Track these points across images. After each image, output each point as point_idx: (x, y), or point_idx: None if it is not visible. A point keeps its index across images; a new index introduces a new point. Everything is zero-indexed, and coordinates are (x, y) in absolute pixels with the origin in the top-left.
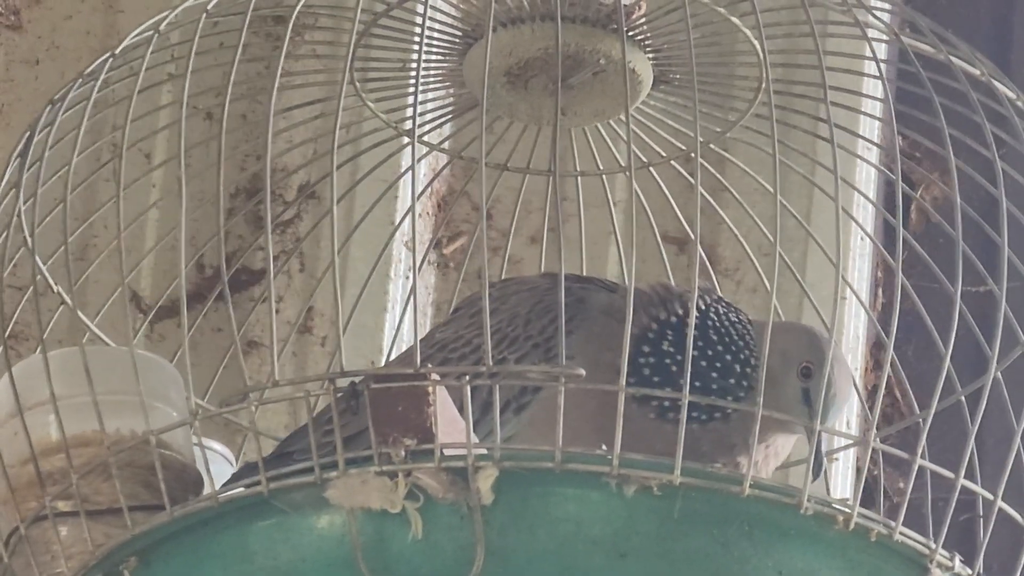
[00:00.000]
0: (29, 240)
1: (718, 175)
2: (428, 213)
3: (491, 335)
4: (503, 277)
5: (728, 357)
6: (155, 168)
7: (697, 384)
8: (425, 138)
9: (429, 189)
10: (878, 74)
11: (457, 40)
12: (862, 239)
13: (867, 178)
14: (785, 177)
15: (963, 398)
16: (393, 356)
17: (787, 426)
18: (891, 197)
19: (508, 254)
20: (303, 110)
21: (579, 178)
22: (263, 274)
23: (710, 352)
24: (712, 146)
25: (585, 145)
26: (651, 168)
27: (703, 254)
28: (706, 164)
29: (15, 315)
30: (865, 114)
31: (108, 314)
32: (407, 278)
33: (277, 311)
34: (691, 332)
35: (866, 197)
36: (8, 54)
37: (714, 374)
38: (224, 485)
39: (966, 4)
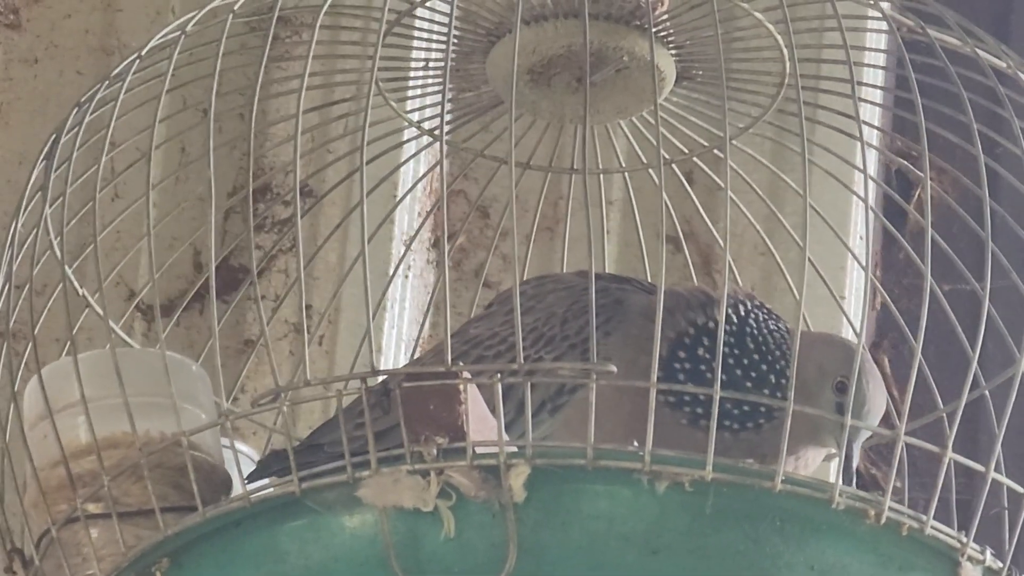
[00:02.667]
0: (55, 244)
1: (712, 175)
2: (427, 211)
3: (527, 334)
4: (501, 275)
5: (764, 367)
6: (152, 159)
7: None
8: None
9: (427, 188)
10: (899, 68)
11: (481, 38)
12: (861, 239)
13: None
14: (785, 177)
15: (988, 392)
16: (392, 354)
17: (816, 436)
18: (888, 197)
19: (503, 252)
20: (302, 109)
21: (573, 177)
22: (261, 273)
23: (746, 361)
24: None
25: (591, 143)
26: (674, 166)
27: (698, 254)
28: (700, 164)
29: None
30: (869, 102)
31: (109, 314)
32: (406, 277)
33: (275, 310)
34: (721, 330)
35: (858, 196)
36: (7, 53)
37: (748, 383)
38: (252, 474)
39: (964, 3)
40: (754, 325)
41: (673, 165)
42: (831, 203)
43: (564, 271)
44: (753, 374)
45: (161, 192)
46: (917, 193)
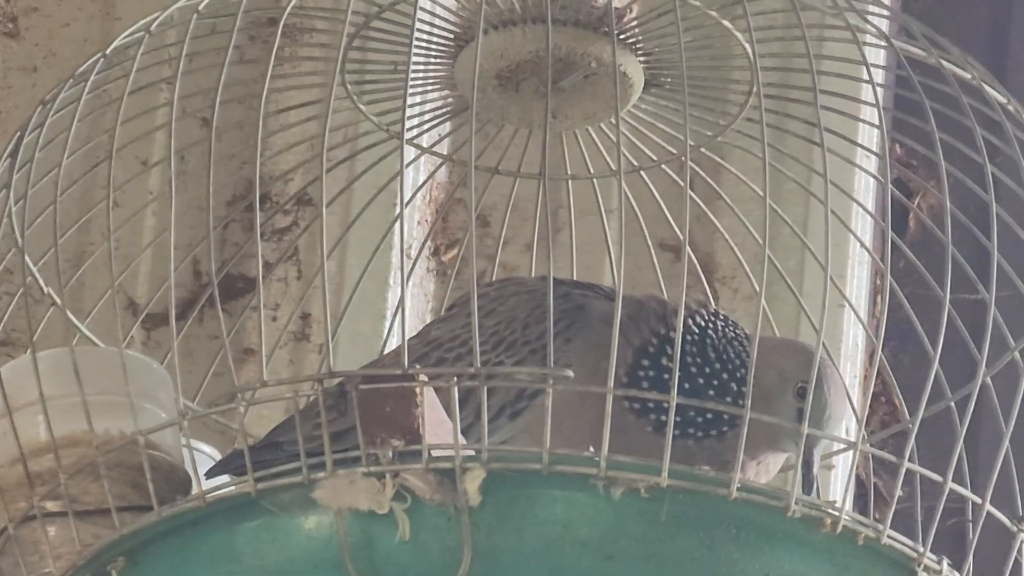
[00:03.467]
0: (20, 241)
1: (712, 182)
2: (426, 220)
3: (488, 337)
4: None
5: (724, 375)
6: (150, 167)
7: (678, 418)
8: (419, 142)
9: (427, 196)
10: (868, 79)
11: (449, 42)
12: (861, 248)
13: (865, 186)
14: (780, 185)
15: (953, 404)
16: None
17: (777, 443)
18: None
19: (501, 261)
20: (299, 116)
21: (571, 186)
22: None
23: (707, 369)
24: (707, 152)
25: (577, 150)
26: (642, 173)
27: (697, 262)
28: (699, 170)
29: (4, 318)
30: (863, 121)
31: (104, 321)
32: (406, 286)
33: (274, 318)
34: (679, 334)
35: (861, 205)
36: (5, 61)
37: (711, 392)
38: (211, 470)
39: (963, 12)
40: (713, 336)
41: (666, 169)
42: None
43: (563, 277)
44: (715, 382)
45: (160, 202)
46: (916, 201)
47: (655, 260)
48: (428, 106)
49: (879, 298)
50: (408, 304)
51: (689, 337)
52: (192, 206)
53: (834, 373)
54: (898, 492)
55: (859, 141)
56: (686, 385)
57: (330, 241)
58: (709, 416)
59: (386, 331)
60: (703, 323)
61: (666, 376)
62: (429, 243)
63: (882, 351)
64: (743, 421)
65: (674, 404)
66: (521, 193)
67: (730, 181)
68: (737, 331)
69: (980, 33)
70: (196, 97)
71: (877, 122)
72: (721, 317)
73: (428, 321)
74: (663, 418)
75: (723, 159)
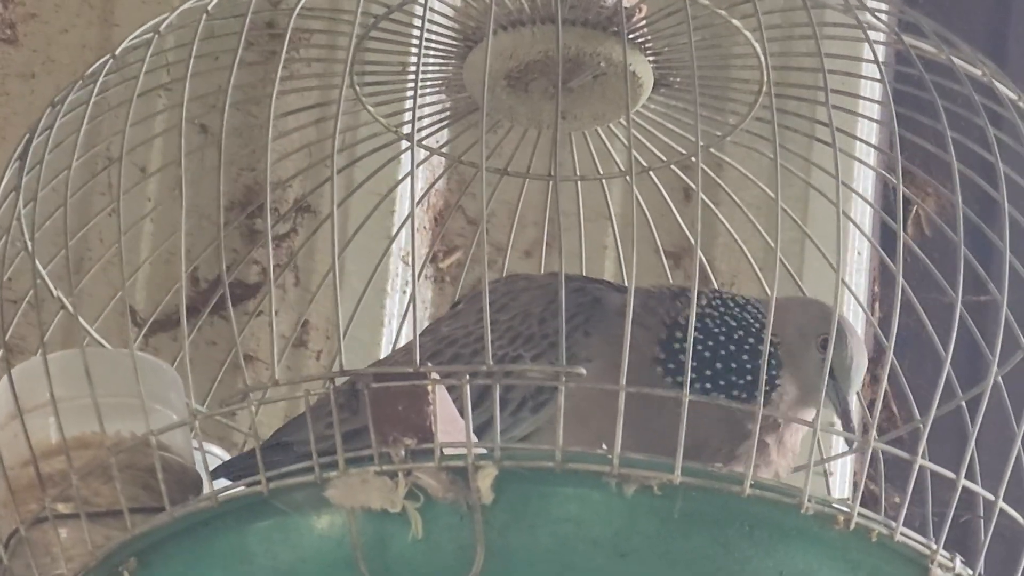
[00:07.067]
0: (29, 243)
1: (714, 185)
2: (425, 227)
3: (503, 332)
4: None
5: (751, 339)
6: (149, 176)
7: (721, 383)
8: (424, 143)
9: (425, 203)
10: (879, 76)
11: (457, 43)
12: (860, 254)
13: (865, 185)
14: (781, 188)
15: (963, 403)
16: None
17: (809, 397)
18: (890, 203)
19: (500, 266)
20: (298, 121)
21: (580, 189)
22: (257, 288)
23: (723, 352)
24: (712, 151)
25: (585, 151)
26: (651, 174)
27: (696, 267)
28: (707, 170)
29: (13, 322)
30: (865, 117)
31: (104, 327)
32: (404, 292)
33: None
34: (691, 332)
35: (864, 199)
36: (3, 68)
37: (744, 356)
38: (216, 470)
39: (961, 10)
40: (721, 306)
41: (674, 169)
42: (829, 215)
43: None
44: (746, 346)
45: (159, 208)
46: (915, 208)
47: (663, 262)
48: (434, 108)
49: (876, 304)
50: (407, 309)
51: (710, 311)
52: (191, 212)
53: (849, 323)
54: (911, 489)
55: (862, 139)
56: (721, 352)
57: (328, 246)
58: (749, 378)
59: (384, 339)
60: (709, 301)
61: (698, 347)
62: (426, 250)
63: (879, 356)
64: (755, 419)
65: (686, 402)
66: (521, 200)
67: (730, 182)
68: (744, 297)
69: (979, 34)
70: (194, 103)
71: (886, 121)
72: (718, 293)
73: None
74: (707, 385)
75: (726, 157)
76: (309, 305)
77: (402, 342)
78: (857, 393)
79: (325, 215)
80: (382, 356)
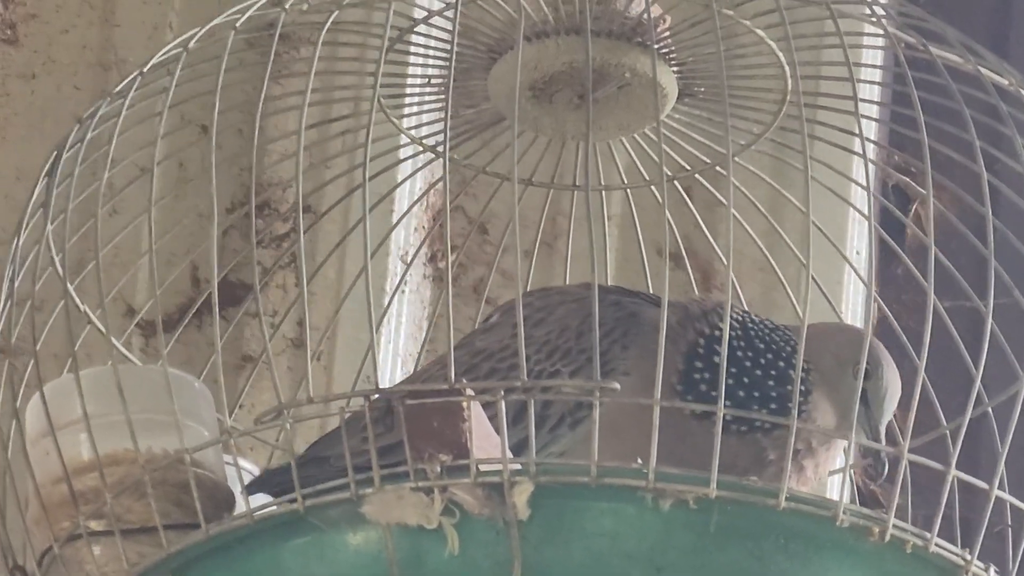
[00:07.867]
0: (57, 260)
1: (713, 190)
2: (423, 227)
3: (540, 346)
4: (500, 290)
5: (781, 364)
6: (151, 176)
7: (756, 394)
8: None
9: (424, 203)
10: (907, 85)
11: (482, 55)
12: (859, 253)
13: (861, 195)
14: (781, 195)
15: (990, 409)
16: (389, 370)
17: (842, 424)
18: (887, 212)
19: (501, 268)
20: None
21: (575, 193)
22: (260, 289)
23: (762, 361)
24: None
25: (592, 159)
26: (676, 182)
27: (697, 270)
28: (703, 181)
29: (41, 337)
30: (867, 118)
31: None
32: (403, 292)
33: (273, 326)
34: (725, 344)
35: (860, 212)
36: (4, 68)
37: (770, 381)
38: (251, 483)
39: (962, 10)
40: (753, 327)
41: (675, 181)
42: (829, 219)
43: (607, 285)
44: (772, 372)
45: (160, 208)
46: (914, 208)
47: (658, 266)
48: (457, 119)
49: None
50: (405, 310)
51: (734, 332)
52: (191, 212)
53: (886, 352)
54: (944, 499)
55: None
56: (744, 379)
57: (328, 248)
58: (774, 407)
59: (383, 339)
60: (740, 317)
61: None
62: (425, 249)
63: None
64: (789, 432)
65: (721, 415)
66: (522, 201)
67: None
68: (772, 322)
69: (980, 34)
70: (194, 106)
71: (908, 129)
72: (749, 314)
73: (429, 327)
74: (728, 417)
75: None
76: (285, 314)
77: (401, 342)
78: None
79: (325, 217)
80: (381, 356)
